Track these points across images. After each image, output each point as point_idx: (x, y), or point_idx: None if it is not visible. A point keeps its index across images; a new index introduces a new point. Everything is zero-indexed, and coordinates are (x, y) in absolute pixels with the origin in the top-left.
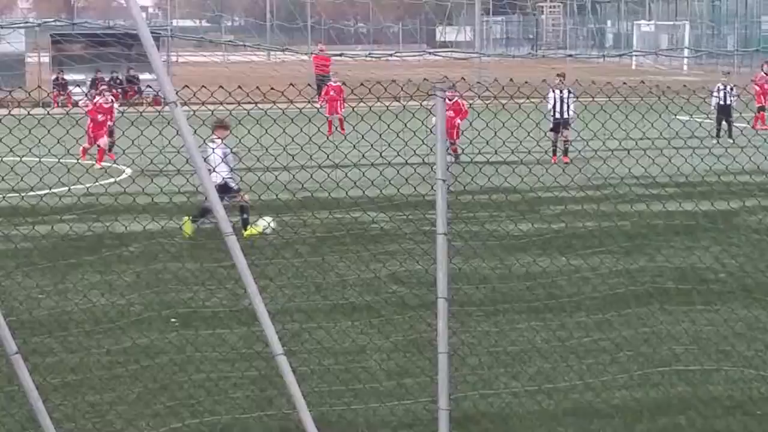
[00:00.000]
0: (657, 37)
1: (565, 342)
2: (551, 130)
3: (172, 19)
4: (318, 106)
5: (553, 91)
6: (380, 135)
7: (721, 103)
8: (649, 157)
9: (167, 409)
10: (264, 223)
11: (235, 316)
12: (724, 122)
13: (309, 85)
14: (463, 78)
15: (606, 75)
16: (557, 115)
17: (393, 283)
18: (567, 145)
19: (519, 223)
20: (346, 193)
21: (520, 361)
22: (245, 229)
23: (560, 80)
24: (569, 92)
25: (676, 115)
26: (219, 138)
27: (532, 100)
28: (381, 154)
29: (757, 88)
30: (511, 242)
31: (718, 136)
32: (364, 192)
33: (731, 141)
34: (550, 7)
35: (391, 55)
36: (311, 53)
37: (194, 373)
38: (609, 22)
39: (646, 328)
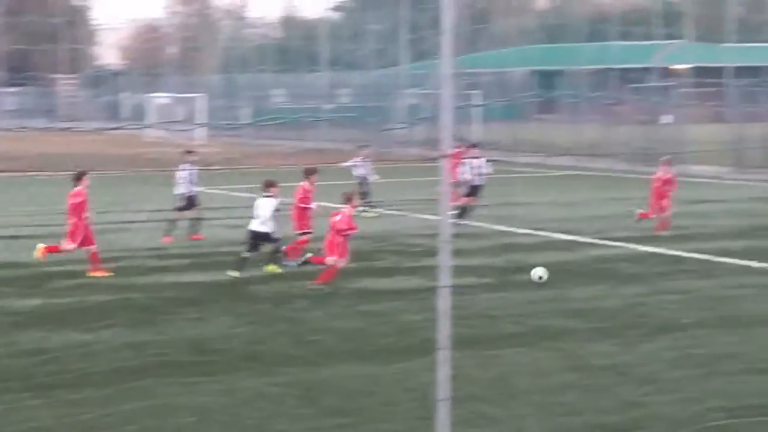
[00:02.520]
0: (173, 109)
1: (69, 419)
2: (180, 209)
3: None
4: None
5: (186, 169)
6: None
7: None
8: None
9: None
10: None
11: None
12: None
13: None
14: None
15: (122, 147)
16: (188, 193)
17: None
18: (198, 223)
19: (26, 299)
20: None
21: None
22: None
23: (190, 157)
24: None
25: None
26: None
27: (49, 173)
28: None
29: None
30: (17, 318)
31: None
32: None
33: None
34: (66, 80)
35: None
36: None
37: None
38: (125, 94)
39: (153, 400)
